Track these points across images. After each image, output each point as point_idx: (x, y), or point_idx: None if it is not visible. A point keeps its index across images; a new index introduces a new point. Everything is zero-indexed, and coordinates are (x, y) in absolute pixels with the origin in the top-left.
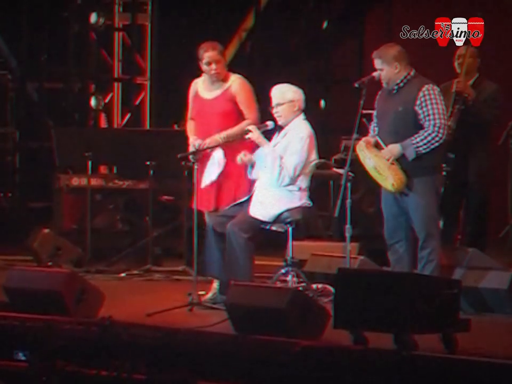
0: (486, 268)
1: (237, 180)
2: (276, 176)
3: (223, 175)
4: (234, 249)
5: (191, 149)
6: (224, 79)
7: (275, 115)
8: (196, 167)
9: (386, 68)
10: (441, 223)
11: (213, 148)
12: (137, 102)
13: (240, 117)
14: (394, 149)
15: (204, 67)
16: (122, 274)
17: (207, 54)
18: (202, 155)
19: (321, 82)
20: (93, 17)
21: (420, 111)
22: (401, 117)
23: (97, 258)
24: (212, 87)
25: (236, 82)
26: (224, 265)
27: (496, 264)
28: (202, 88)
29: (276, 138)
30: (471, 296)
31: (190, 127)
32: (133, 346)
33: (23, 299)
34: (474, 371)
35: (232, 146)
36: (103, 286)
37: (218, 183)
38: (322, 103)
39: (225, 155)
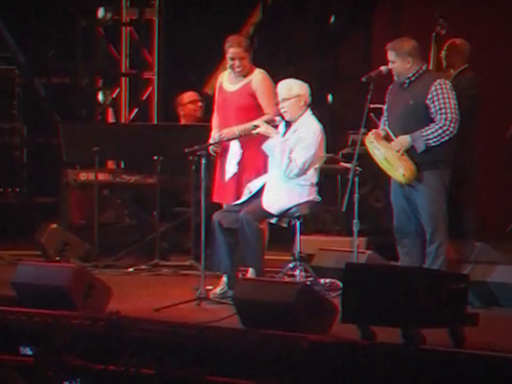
0: (494, 262)
1: (256, 171)
2: (284, 168)
3: (241, 167)
4: (247, 236)
5: (211, 141)
6: (248, 73)
7: (281, 110)
8: (203, 161)
9: (398, 61)
10: None
11: (230, 140)
12: (144, 97)
13: (259, 111)
14: (404, 140)
15: (228, 61)
16: (130, 269)
17: (232, 50)
18: (221, 148)
19: (329, 77)
20: (101, 12)
21: (432, 105)
22: (412, 110)
23: (104, 253)
24: (235, 80)
25: (257, 77)
26: (232, 260)
27: (504, 258)
28: (226, 80)
29: (285, 134)
30: (479, 290)
31: (214, 119)
32: (140, 341)
33: (31, 294)
34: (482, 365)
35: (249, 138)
36: (110, 281)
37: (237, 176)
38: (329, 97)
39: (242, 147)
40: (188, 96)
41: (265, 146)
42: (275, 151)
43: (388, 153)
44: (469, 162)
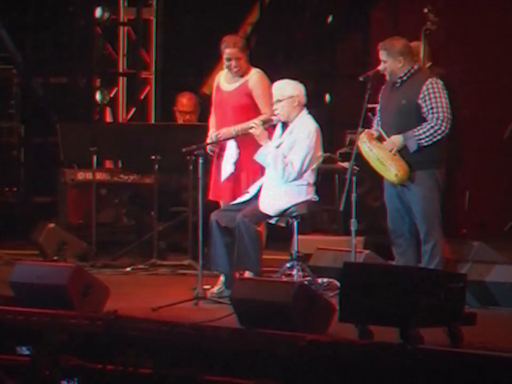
0: (491, 262)
1: (253, 171)
2: (281, 174)
3: (238, 167)
4: (244, 239)
5: (208, 141)
6: (244, 73)
7: (275, 112)
8: (201, 161)
9: (390, 60)
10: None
11: (227, 139)
12: (142, 97)
13: (256, 111)
14: (396, 140)
15: (224, 61)
16: (128, 269)
17: (228, 51)
18: (218, 147)
19: (326, 76)
20: (98, 12)
21: (423, 105)
22: (405, 110)
23: (102, 252)
24: (232, 79)
25: (254, 76)
26: (229, 260)
27: (501, 257)
28: (224, 80)
29: (281, 135)
30: (477, 290)
31: (212, 119)
32: (138, 340)
33: (29, 294)
34: (479, 365)
35: (246, 138)
36: (108, 281)
37: (234, 175)
38: (327, 97)
39: (239, 147)
40: (180, 103)
41: (257, 157)
42: (268, 159)
43: (380, 153)
44: (454, 158)
